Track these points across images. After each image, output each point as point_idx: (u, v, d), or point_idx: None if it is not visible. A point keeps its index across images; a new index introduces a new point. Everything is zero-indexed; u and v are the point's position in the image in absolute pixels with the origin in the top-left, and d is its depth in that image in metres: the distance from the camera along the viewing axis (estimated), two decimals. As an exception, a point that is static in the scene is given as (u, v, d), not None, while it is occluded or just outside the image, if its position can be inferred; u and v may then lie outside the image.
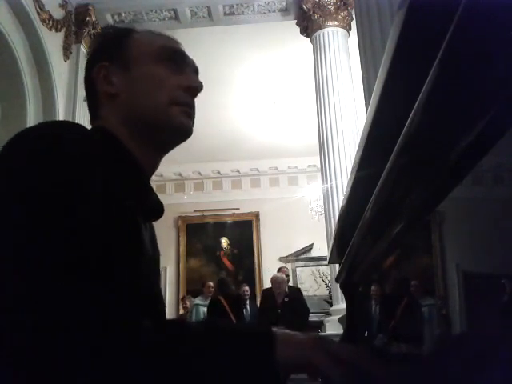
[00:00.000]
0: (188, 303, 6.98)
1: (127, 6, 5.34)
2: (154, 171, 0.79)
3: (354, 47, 3.75)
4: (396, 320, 0.74)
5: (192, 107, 0.78)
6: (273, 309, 4.89)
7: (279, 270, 6.37)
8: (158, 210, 0.77)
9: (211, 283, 6.04)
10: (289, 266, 7.97)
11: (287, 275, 6.30)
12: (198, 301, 6.08)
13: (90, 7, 5.27)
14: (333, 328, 4.21)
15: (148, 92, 0.75)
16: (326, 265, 6.38)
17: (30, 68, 4.66)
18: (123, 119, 0.74)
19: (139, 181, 0.72)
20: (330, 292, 5.64)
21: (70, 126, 0.64)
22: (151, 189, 0.76)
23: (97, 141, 0.66)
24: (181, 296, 8.06)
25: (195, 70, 0.81)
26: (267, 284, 6.23)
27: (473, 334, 0.43)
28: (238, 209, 8.60)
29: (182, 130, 0.76)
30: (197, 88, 0.78)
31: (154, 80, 0.75)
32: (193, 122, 0.77)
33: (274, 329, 0.57)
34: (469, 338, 0.43)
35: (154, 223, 0.82)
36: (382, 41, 2.55)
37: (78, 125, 0.66)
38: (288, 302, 4.96)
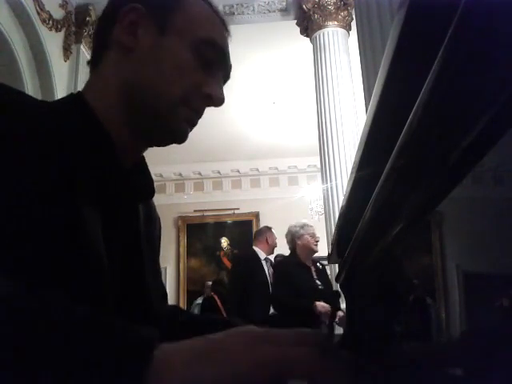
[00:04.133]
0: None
1: (127, 6, 5.33)
2: (136, 156, 0.68)
3: (354, 47, 3.75)
4: (396, 320, 0.74)
5: (199, 117, 0.68)
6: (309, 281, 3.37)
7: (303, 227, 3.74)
8: (146, 189, 0.69)
9: (209, 282, 6.24)
10: (289, 266, 7.97)
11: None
12: (199, 300, 6.38)
13: (90, 7, 5.26)
14: (333, 328, 4.20)
15: (165, 73, 0.63)
16: (326, 265, 6.35)
17: (29, 68, 4.66)
18: (122, 83, 0.63)
19: (107, 162, 0.61)
20: (330, 292, 5.63)
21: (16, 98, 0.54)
22: (142, 169, 0.69)
23: (56, 116, 0.55)
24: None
25: (226, 76, 0.71)
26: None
27: (473, 334, 0.43)
28: (238, 209, 8.59)
29: (175, 137, 0.67)
30: (217, 100, 0.68)
31: (179, 65, 0.63)
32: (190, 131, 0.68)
33: (166, 346, 0.36)
34: (469, 338, 0.43)
35: None
36: (382, 41, 2.55)
37: (26, 96, 0.57)
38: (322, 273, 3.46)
